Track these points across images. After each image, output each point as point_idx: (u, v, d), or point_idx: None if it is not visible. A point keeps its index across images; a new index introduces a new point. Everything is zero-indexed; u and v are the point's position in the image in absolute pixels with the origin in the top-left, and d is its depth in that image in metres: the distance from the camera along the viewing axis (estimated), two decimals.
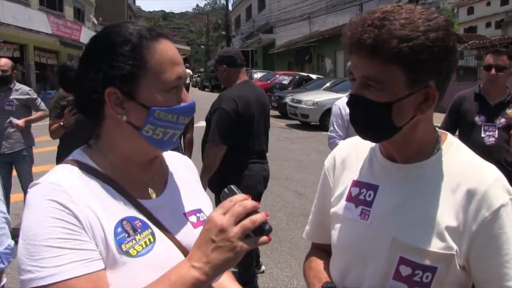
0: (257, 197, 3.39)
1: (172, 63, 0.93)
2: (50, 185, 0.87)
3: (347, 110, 3.45)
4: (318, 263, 1.26)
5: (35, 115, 4.61)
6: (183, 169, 1.16)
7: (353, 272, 1.09)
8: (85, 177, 0.92)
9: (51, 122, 3.55)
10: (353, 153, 1.19)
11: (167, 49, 0.94)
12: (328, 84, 15.97)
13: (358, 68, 0.96)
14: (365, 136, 1.05)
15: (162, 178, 1.07)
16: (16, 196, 4.95)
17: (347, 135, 3.44)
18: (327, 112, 13.05)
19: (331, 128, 3.70)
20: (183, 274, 0.82)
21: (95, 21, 31.51)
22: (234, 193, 0.89)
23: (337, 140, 3.65)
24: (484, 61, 3.17)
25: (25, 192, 4.50)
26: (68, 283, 0.79)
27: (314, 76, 20.67)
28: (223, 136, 3.10)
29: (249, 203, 0.85)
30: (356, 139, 1.20)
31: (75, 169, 0.93)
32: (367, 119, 0.99)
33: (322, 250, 1.30)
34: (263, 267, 3.92)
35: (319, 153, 9.58)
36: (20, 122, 4.37)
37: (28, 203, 0.86)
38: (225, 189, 0.90)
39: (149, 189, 1.01)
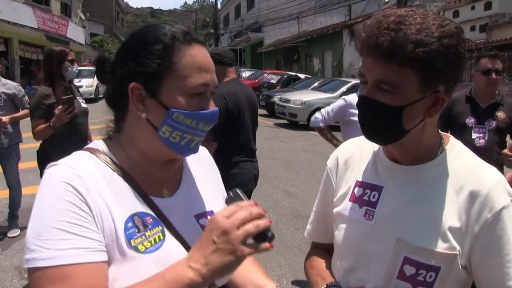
0: (247, 195, 3.38)
1: (200, 69, 0.93)
2: (66, 167, 0.88)
3: (353, 110, 3.52)
4: (319, 262, 1.26)
5: (20, 112, 4.45)
6: (202, 164, 1.15)
7: (357, 272, 1.10)
8: (101, 166, 0.93)
9: (35, 123, 3.35)
10: (356, 154, 1.20)
11: (198, 55, 0.94)
12: (316, 84, 16.02)
13: (371, 70, 0.96)
14: (373, 138, 1.06)
15: (176, 177, 1.06)
16: (0, 193, 4.86)
17: (347, 136, 3.48)
18: (315, 112, 13.00)
19: (326, 109, 3.77)
20: (179, 274, 0.81)
21: (83, 17, 31.15)
22: (239, 198, 0.88)
23: (320, 122, 3.75)
24: (478, 65, 3.23)
25: (10, 189, 4.44)
26: (67, 269, 0.79)
27: (302, 76, 20.69)
28: (213, 133, 3.07)
29: (255, 209, 0.84)
30: (359, 140, 1.21)
31: (93, 157, 0.94)
32: (377, 122, 0.99)
33: (323, 249, 1.31)
34: None
35: (307, 152, 9.61)
36: (5, 119, 4.22)
37: (43, 183, 0.87)
38: (230, 192, 0.90)
39: (163, 188, 1.01)
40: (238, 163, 3.25)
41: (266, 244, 0.83)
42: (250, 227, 0.81)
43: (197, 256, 0.82)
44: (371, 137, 1.05)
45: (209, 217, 1.03)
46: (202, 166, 1.15)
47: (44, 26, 22.43)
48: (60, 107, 3.22)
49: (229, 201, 0.88)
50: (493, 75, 3.15)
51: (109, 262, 0.85)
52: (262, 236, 0.83)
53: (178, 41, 0.93)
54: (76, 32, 27.68)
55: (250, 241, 0.83)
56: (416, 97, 0.95)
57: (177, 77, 0.91)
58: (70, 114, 3.23)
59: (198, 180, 1.10)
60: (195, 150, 1.00)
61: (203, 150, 1.20)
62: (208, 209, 1.06)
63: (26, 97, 4.56)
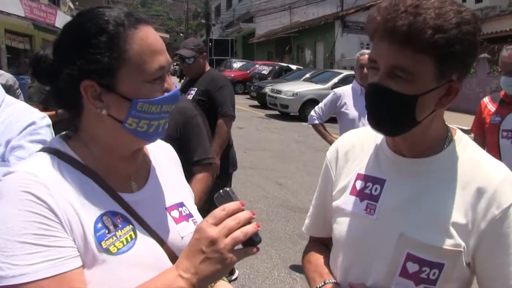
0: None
1: (153, 52, 0.87)
2: (26, 175, 0.81)
3: (343, 102, 3.53)
4: (317, 257, 1.22)
5: None
6: (166, 158, 1.12)
7: (357, 268, 1.06)
8: (64, 167, 0.87)
9: (35, 107, 3.30)
10: (357, 146, 1.15)
11: (147, 37, 0.87)
12: (307, 75, 16.00)
13: (385, 56, 0.90)
14: (380, 128, 1.00)
15: (144, 170, 1.02)
16: None
17: (343, 128, 3.55)
18: (307, 103, 13.06)
19: (319, 105, 3.84)
20: (170, 283, 0.80)
21: (71, 5, 30.67)
22: (229, 199, 0.84)
23: (315, 120, 3.78)
24: None
25: None
26: (41, 284, 0.75)
27: (294, 67, 20.68)
28: (234, 109, 3.41)
29: (243, 215, 0.82)
30: (361, 131, 1.17)
31: (55, 158, 0.87)
32: (389, 112, 0.94)
33: (321, 244, 1.27)
34: None
35: (299, 143, 9.59)
36: None
37: (1, 194, 0.80)
38: (221, 192, 0.86)
39: (132, 182, 0.96)
40: (232, 141, 3.54)
41: (252, 249, 0.83)
42: (238, 235, 0.80)
43: (186, 265, 0.81)
44: (378, 127, 1.00)
45: (180, 209, 1.02)
46: (166, 159, 1.11)
47: (31, 15, 22.01)
48: None
49: (219, 200, 0.85)
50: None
51: (83, 266, 0.81)
52: (250, 241, 0.82)
53: (123, 27, 0.85)
54: (65, 22, 26.49)
55: (237, 246, 0.81)
56: (431, 85, 0.90)
57: (131, 66, 0.85)
58: None
59: (164, 172, 1.06)
60: (162, 133, 0.95)
61: (165, 145, 1.16)
62: (178, 200, 1.03)
63: (20, 90, 4.46)
